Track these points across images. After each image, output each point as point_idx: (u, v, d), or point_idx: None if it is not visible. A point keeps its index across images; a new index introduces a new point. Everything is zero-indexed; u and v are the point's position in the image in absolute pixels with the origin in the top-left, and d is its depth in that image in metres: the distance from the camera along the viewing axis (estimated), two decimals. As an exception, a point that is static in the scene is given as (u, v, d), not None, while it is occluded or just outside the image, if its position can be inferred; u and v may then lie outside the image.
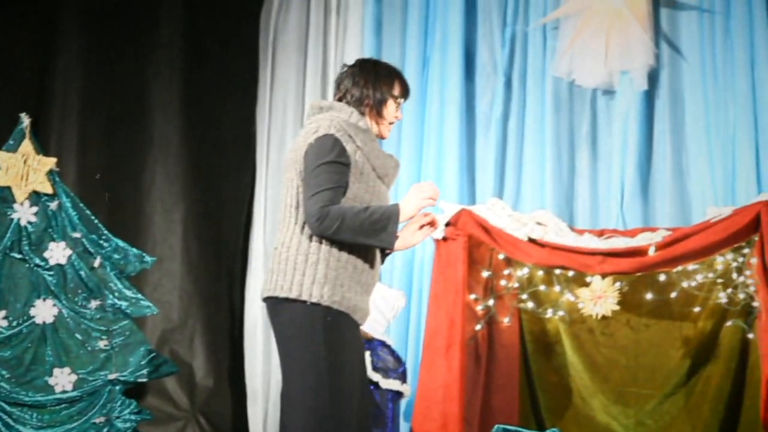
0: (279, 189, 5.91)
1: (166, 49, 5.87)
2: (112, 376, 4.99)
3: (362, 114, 3.17)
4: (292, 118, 6.00)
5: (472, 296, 5.04)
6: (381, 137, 3.24)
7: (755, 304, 4.64)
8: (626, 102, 5.39)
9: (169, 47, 5.87)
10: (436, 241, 5.10)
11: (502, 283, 5.07)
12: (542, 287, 5.03)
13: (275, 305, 3.07)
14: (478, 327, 5.03)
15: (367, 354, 5.21)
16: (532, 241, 5.00)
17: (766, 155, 5.08)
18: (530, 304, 5.04)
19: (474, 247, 5.08)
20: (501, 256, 5.08)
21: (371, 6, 5.88)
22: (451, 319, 4.96)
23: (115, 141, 5.78)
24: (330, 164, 3.02)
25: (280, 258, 3.08)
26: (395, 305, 4.89)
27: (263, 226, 5.90)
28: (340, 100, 3.19)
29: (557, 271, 5.00)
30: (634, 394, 4.91)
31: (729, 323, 4.75)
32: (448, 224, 5.07)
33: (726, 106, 5.23)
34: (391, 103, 3.20)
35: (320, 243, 3.04)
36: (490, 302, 5.06)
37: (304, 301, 3.01)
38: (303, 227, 3.07)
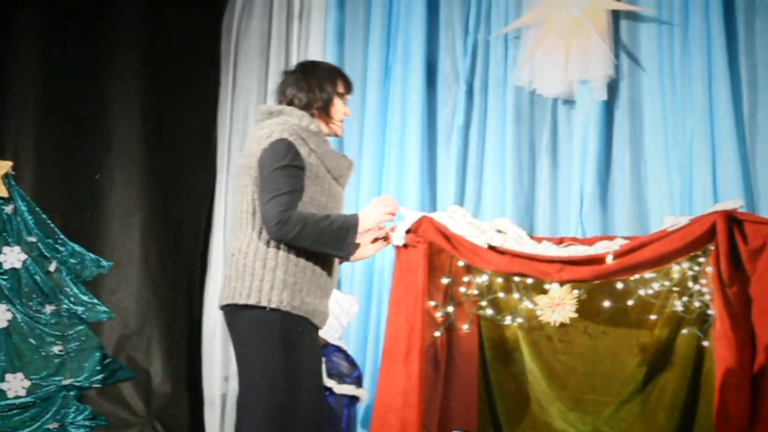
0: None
1: (125, 53, 5.83)
2: (66, 382, 4.93)
3: (312, 116, 3.18)
4: (253, 124, 5.96)
5: (432, 303, 5.05)
6: (335, 135, 3.27)
7: (710, 312, 4.69)
8: (586, 111, 5.44)
9: (129, 51, 5.83)
10: (397, 247, 5.10)
11: (462, 290, 5.08)
12: (501, 294, 5.05)
13: (233, 312, 3.06)
14: (437, 334, 5.04)
15: (322, 361, 5.20)
16: (491, 248, 5.02)
17: (723, 166, 5.14)
18: (489, 311, 5.06)
19: (434, 254, 5.09)
20: (461, 263, 5.09)
21: (334, 13, 5.89)
22: (411, 326, 4.96)
23: (72, 145, 5.72)
24: (285, 168, 3.02)
25: (238, 265, 3.07)
26: (350, 310, 4.89)
27: (223, 231, 5.88)
28: (288, 105, 3.20)
29: (516, 279, 5.02)
30: (591, 401, 4.94)
31: (685, 331, 4.78)
32: (408, 231, 5.08)
33: (683, 116, 5.29)
34: (337, 101, 3.23)
35: (278, 248, 3.04)
36: (450, 309, 5.07)
37: (263, 307, 3.00)
38: (260, 233, 3.06)
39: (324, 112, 3.21)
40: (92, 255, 5.07)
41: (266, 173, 3.03)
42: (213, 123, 6.00)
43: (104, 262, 5.09)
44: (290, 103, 3.19)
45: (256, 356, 3.01)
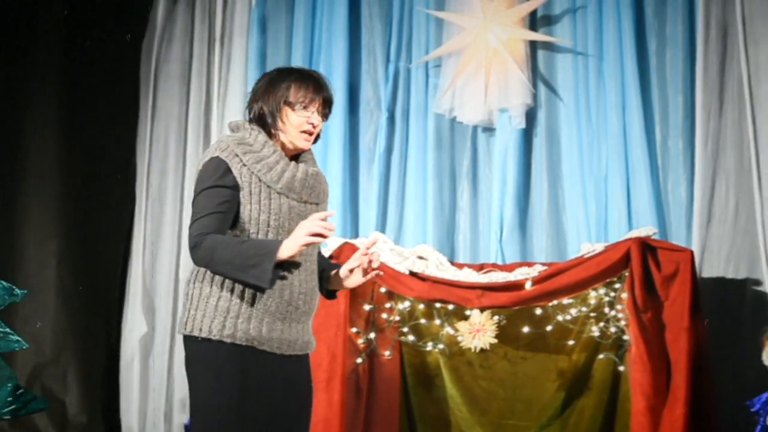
0: (158, 221, 5.90)
1: (42, 77, 5.72)
2: (-23, 414, 4.79)
3: (263, 129, 2.98)
4: (174, 149, 5.93)
5: (354, 329, 5.05)
6: (296, 148, 3.00)
7: (626, 337, 4.79)
8: (505, 139, 5.53)
9: (46, 75, 5.72)
10: (318, 274, 5.09)
11: (384, 316, 5.10)
12: (423, 320, 5.08)
13: (183, 343, 2.95)
14: (359, 360, 5.04)
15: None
16: (413, 274, 5.05)
17: (637, 193, 5.29)
18: (411, 338, 5.08)
19: (356, 280, 5.09)
20: (383, 290, 5.11)
21: (256, 37, 5.88)
22: (333, 353, 4.95)
23: (-13, 170, 5.60)
24: (211, 189, 2.87)
25: (184, 295, 2.97)
26: None
27: (142, 258, 5.79)
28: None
29: (438, 305, 5.06)
30: (511, 426, 4.99)
31: (601, 356, 4.87)
32: (330, 258, 5.08)
33: (599, 145, 5.42)
34: (287, 111, 2.96)
35: (213, 275, 2.89)
36: (372, 335, 5.08)
37: (196, 337, 2.88)
38: None
39: (272, 123, 2.96)
40: (5, 283, 4.94)
41: (194, 196, 2.91)
42: (132, 148, 5.92)
43: (17, 291, 4.96)
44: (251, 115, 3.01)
45: (196, 390, 2.89)
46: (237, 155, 2.90)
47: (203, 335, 2.86)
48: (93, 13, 5.81)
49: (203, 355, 2.88)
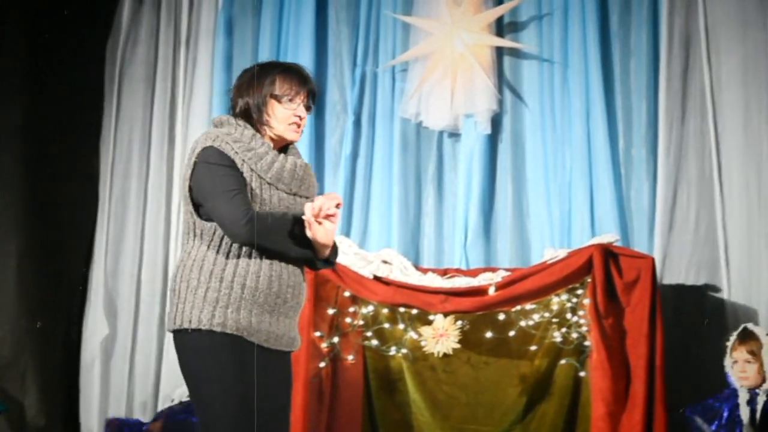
0: (121, 224, 5.86)
1: (4, 78, 5.65)
2: (-67, 417, 4.73)
3: (248, 123, 2.97)
4: (137, 151, 5.89)
5: (317, 333, 5.04)
6: (284, 141, 3.00)
7: (587, 343, 4.82)
8: (471, 144, 5.56)
9: (9, 77, 5.66)
10: (282, 278, 5.08)
11: (348, 320, 5.09)
12: (387, 325, 5.08)
13: (173, 339, 2.93)
14: (322, 364, 5.03)
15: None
16: (377, 279, 5.05)
17: (600, 200, 5.33)
18: (374, 342, 5.08)
19: (320, 284, 5.08)
20: (347, 294, 5.10)
21: (222, 40, 5.86)
22: (295, 357, 4.81)
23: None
24: (223, 168, 2.86)
25: (171, 290, 2.95)
26: None
27: (104, 260, 5.75)
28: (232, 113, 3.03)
29: (401, 309, 5.07)
30: (473, 431, 5.00)
31: (563, 361, 4.90)
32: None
33: (563, 151, 5.46)
34: (273, 104, 2.97)
35: (201, 267, 2.87)
36: (335, 340, 5.07)
37: (186, 329, 2.85)
38: (189, 253, 2.92)
39: (257, 117, 2.96)
40: (-37, 285, 4.90)
41: (206, 180, 2.87)
42: (96, 150, 5.87)
43: (-24, 292, 4.92)
44: (234, 110, 3.00)
45: (193, 383, 2.88)
46: (228, 143, 2.90)
47: (193, 326, 2.84)
48: (57, 14, 5.75)
49: (196, 346, 2.85)
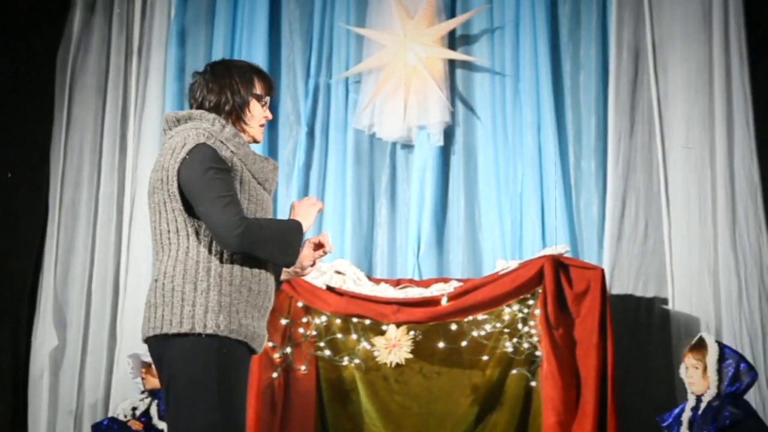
0: (71, 233, 5.79)
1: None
2: None
3: (227, 120, 2.86)
4: (88, 160, 5.84)
5: (270, 344, 5.03)
6: (254, 141, 2.93)
7: (538, 353, 4.88)
8: (424, 156, 5.60)
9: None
10: (235, 288, 5.06)
11: (300, 330, 5.09)
12: (339, 335, 5.09)
13: (163, 342, 2.75)
14: (274, 375, 5.02)
15: (154, 404, 5.10)
16: (330, 289, 5.06)
17: (550, 212, 5.39)
18: (327, 352, 5.08)
19: (273, 294, 5.08)
20: (300, 304, 5.10)
21: (174, 50, 5.84)
22: (248, 368, 4.93)
23: None
24: (220, 171, 2.75)
25: (164, 290, 2.75)
26: None
27: (54, 270, 5.67)
28: (198, 109, 2.90)
29: (354, 320, 5.08)
30: (425, 441, 5.03)
31: (514, 371, 4.95)
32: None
33: (515, 163, 5.53)
34: (254, 104, 2.90)
35: (208, 268, 2.76)
36: (288, 350, 5.07)
37: (199, 334, 2.72)
38: (186, 252, 2.77)
39: (237, 115, 2.88)
40: None
41: (199, 182, 2.74)
42: (46, 158, 5.80)
43: None
44: (200, 107, 2.87)
45: (190, 389, 2.72)
46: (222, 142, 2.80)
47: (209, 331, 2.72)
48: (7, 21, 5.68)
49: (206, 352, 2.72)
